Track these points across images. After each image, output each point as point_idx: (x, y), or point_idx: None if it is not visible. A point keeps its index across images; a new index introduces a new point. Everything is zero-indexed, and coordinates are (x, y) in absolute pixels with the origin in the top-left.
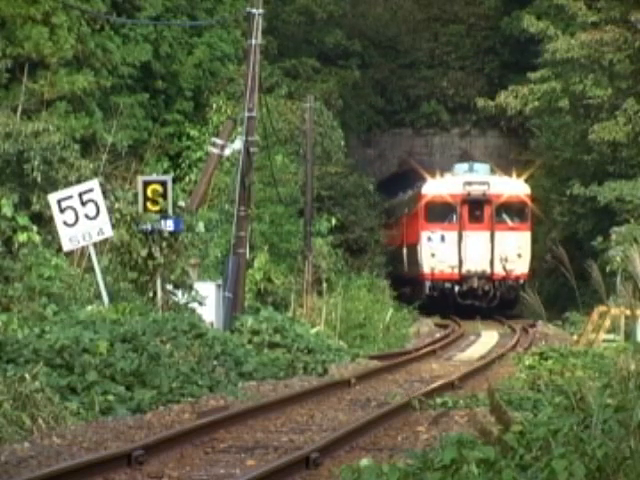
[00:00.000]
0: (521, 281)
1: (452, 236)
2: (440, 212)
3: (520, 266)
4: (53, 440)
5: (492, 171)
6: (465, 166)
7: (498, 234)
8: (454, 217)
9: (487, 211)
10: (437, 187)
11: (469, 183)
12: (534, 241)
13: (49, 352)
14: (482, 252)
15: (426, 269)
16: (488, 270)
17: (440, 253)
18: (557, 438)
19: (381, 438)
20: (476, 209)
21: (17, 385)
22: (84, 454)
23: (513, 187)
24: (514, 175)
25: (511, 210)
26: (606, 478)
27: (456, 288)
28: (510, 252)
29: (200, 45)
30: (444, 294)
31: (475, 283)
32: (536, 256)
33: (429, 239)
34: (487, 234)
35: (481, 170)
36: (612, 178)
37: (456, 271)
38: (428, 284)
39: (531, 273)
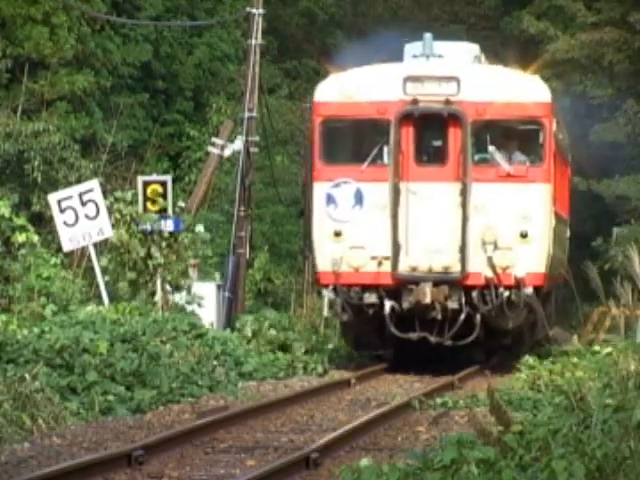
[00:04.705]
0: (528, 290)
1: (379, 193)
2: (353, 142)
3: (527, 258)
4: (53, 440)
5: (476, 59)
6: (418, 46)
7: (478, 188)
8: (383, 153)
9: (454, 139)
10: (345, 89)
11: (416, 79)
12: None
13: (49, 352)
14: (443, 228)
15: (322, 264)
16: (456, 266)
17: (353, 229)
18: (557, 438)
19: (381, 438)
20: (431, 135)
21: (17, 385)
22: (84, 454)
23: (513, 89)
24: (516, 69)
25: (508, 137)
26: (606, 478)
27: (387, 305)
28: (505, 228)
29: (200, 45)
30: (363, 317)
31: (427, 294)
32: None
33: (329, 199)
34: (454, 189)
35: (449, 54)
36: (614, 176)
37: (387, 268)
38: (328, 295)
39: (549, 274)
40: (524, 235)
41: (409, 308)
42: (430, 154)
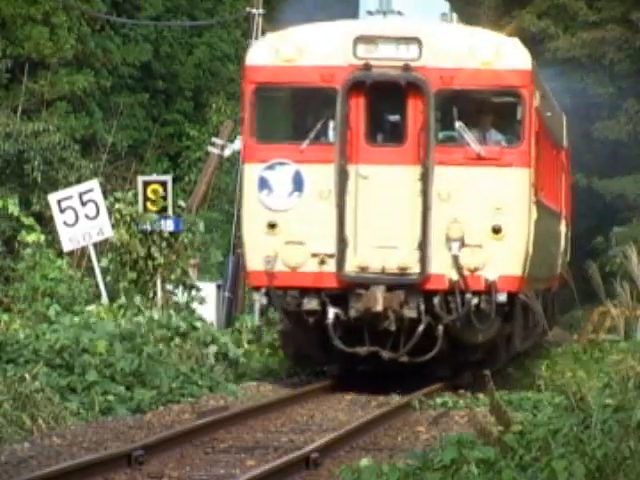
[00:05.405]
0: (501, 296)
1: (322, 177)
2: (291, 116)
3: (501, 258)
4: (53, 440)
5: (444, 17)
6: (374, 1)
7: (442, 173)
8: (328, 129)
9: (414, 113)
10: (283, 51)
11: (370, 40)
12: None
13: (49, 352)
14: (399, 220)
15: (253, 261)
16: (414, 267)
17: (290, 221)
18: (557, 438)
19: (381, 438)
20: (386, 108)
21: (17, 385)
22: (84, 454)
23: (486, 53)
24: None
25: (480, 112)
26: (606, 478)
27: (331, 313)
28: (474, 221)
29: (200, 45)
30: (302, 327)
31: (378, 300)
32: None
33: (262, 184)
34: (413, 173)
35: (411, 11)
36: (614, 175)
37: (331, 268)
38: (260, 299)
39: (529, 278)
40: (497, 230)
41: (357, 317)
42: (385, 131)
